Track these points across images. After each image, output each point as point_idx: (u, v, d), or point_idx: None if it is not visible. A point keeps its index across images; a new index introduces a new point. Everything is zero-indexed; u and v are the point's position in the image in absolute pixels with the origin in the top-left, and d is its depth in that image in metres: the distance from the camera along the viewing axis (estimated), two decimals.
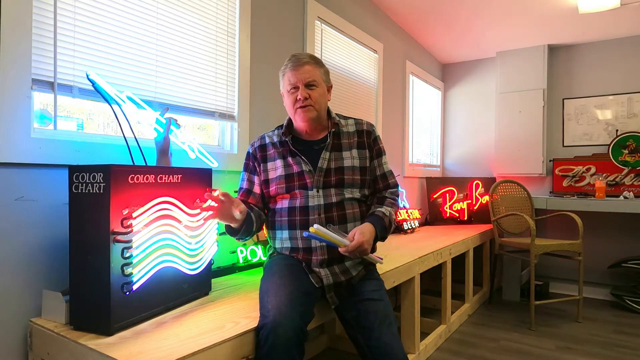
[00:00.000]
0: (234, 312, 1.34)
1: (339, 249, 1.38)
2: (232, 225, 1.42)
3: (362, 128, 1.61)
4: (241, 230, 1.45)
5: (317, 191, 1.49)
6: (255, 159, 1.59)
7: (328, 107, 1.60)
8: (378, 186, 1.61)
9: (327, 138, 1.55)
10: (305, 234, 1.33)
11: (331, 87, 1.59)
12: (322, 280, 1.43)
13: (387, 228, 1.52)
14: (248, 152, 1.62)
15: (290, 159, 1.53)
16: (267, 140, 1.59)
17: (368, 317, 1.38)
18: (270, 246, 1.63)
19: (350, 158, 1.55)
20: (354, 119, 1.64)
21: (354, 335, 1.41)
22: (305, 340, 1.24)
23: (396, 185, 1.64)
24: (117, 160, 1.46)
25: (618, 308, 3.34)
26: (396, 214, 1.60)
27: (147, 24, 1.60)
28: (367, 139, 1.60)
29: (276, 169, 1.54)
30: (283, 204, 1.52)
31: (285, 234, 1.51)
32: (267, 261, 1.59)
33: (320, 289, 1.44)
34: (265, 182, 1.56)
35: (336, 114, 1.62)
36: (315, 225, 1.33)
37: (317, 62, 1.52)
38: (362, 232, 1.41)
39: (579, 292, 2.99)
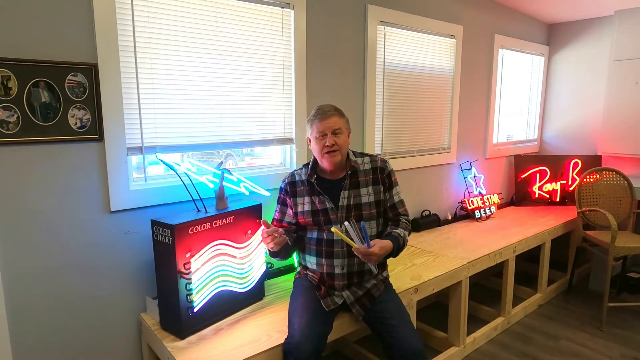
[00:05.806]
0: (273, 324, 1.74)
1: (352, 249, 1.63)
2: (273, 249, 1.75)
3: (376, 165, 1.84)
4: (281, 254, 1.78)
5: (340, 226, 1.76)
6: (287, 193, 1.87)
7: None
8: (388, 215, 1.86)
9: (346, 178, 1.78)
10: (332, 230, 1.61)
11: (350, 132, 1.81)
12: (344, 299, 1.75)
13: (400, 248, 1.78)
14: (280, 187, 1.90)
15: (315, 197, 1.80)
16: (297, 177, 1.86)
17: (387, 318, 1.70)
18: (300, 261, 1.95)
19: (367, 195, 1.79)
20: (370, 156, 1.86)
21: (379, 332, 1.72)
22: (323, 350, 1.59)
23: (406, 213, 1.88)
24: (188, 197, 1.88)
25: None
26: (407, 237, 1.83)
27: (211, 81, 1.93)
28: (381, 175, 1.83)
29: (304, 204, 1.82)
30: (312, 234, 1.82)
31: (314, 259, 1.83)
32: (295, 277, 1.93)
33: (342, 305, 1.76)
34: (295, 214, 1.86)
35: (352, 151, 1.85)
36: (345, 223, 1.60)
37: (340, 113, 1.77)
38: (381, 246, 1.66)
39: None
